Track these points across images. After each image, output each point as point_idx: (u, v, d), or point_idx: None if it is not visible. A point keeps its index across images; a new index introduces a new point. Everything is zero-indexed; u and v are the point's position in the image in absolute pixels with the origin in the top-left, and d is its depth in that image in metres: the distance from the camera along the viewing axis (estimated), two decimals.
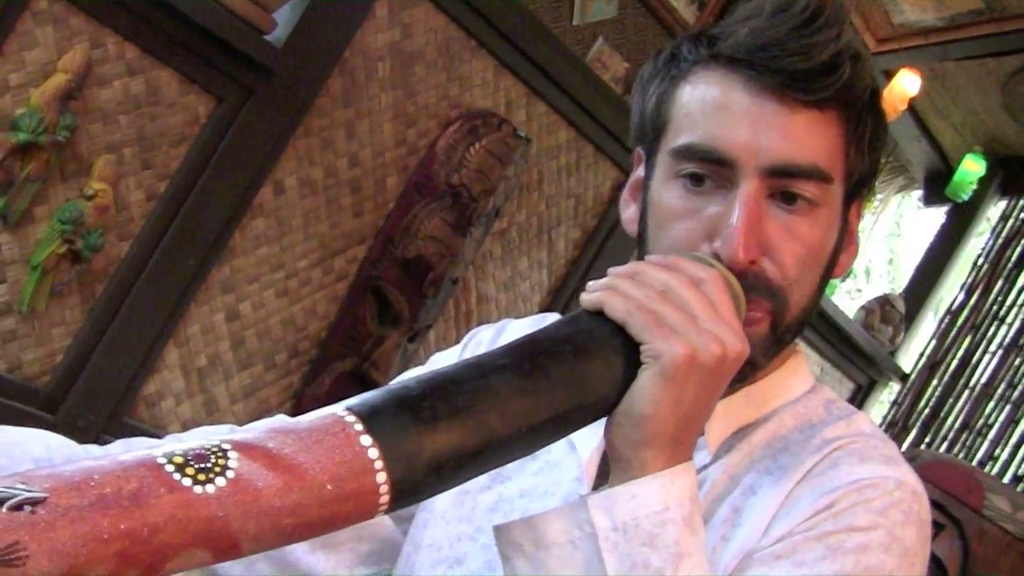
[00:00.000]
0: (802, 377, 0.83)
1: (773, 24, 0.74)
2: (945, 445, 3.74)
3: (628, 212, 0.87)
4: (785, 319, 0.76)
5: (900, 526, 0.71)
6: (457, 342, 2.39)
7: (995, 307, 3.84)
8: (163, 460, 0.49)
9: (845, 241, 0.81)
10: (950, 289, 4.20)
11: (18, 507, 0.44)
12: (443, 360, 0.94)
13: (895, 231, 6.77)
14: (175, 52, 1.77)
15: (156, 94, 1.80)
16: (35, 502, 0.45)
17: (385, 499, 0.55)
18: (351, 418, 0.54)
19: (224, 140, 1.88)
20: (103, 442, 1.83)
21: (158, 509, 0.47)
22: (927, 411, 3.84)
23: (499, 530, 0.68)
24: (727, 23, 0.79)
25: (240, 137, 1.89)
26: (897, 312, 3.92)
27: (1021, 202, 4.03)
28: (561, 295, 2.61)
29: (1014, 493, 1.77)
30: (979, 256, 4.04)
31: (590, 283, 0.68)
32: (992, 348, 3.76)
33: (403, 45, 2.09)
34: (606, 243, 2.64)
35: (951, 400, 3.80)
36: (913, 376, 4.00)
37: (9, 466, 0.70)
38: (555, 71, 2.35)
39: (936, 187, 4.25)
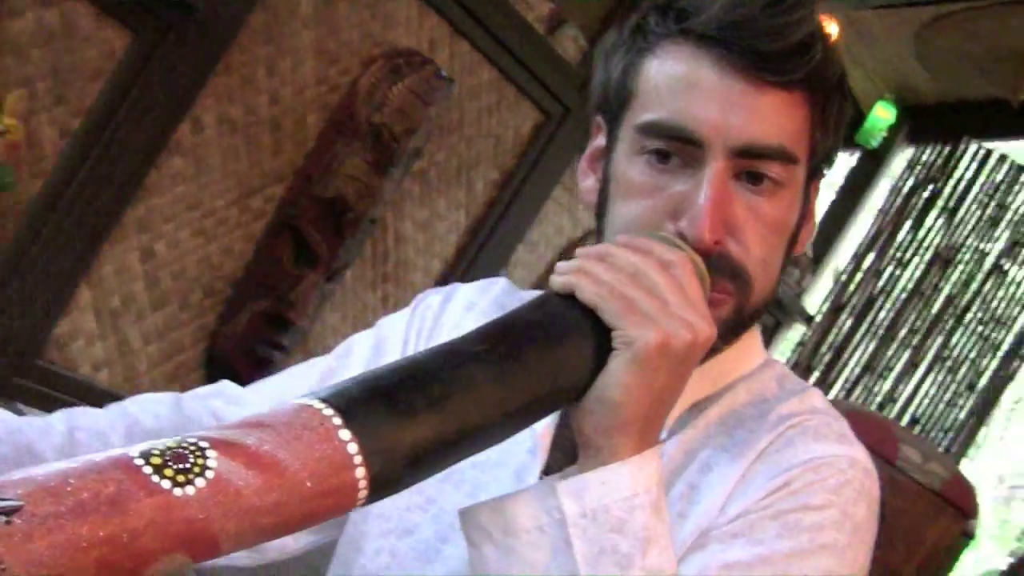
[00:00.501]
0: (755, 351, 0.85)
1: (745, 1, 0.76)
2: (847, 387, 3.99)
3: (587, 182, 0.88)
4: (749, 301, 0.78)
5: (852, 503, 0.77)
6: (373, 283, 2.44)
7: (899, 253, 4.08)
8: (140, 461, 0.49)
9: (805, 218, 0.83)
10: (857, 234, 4.43)
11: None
12: (392, 324, 0.95)
13: None
14: None
15: (71, 27, 1.80)
16: (10, 511, 0.45)
17: (363, 493, 0.56)
18: (328, 411, 0.55)
19: (141, 76, 1.89)
20: (14, 386, 1.87)
21: (138, 514, 0.47)
22: (830, 353, 4.08)
23: (465, 514, 0.69)
24: None
25: (158, 73, 1.91)
26: (805, 256, 4.11)
27: (928, 150, 4.26)
28: (478, 235, 2.69)
29: (925, 444, 1.94)
30: (885, 202, 4.27)
31: (559, 264, 0.70)
32: (895, 293, 4.00)
33: None
34: (524, 184, 2.73)
35: (854, 343, 4.05)
36: (818, 319, 4.23)
37: None
38: (479, 10, 2.40)
39: (846, 132, 4.45)
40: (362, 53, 2.24)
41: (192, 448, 0.50)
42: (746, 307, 0.78)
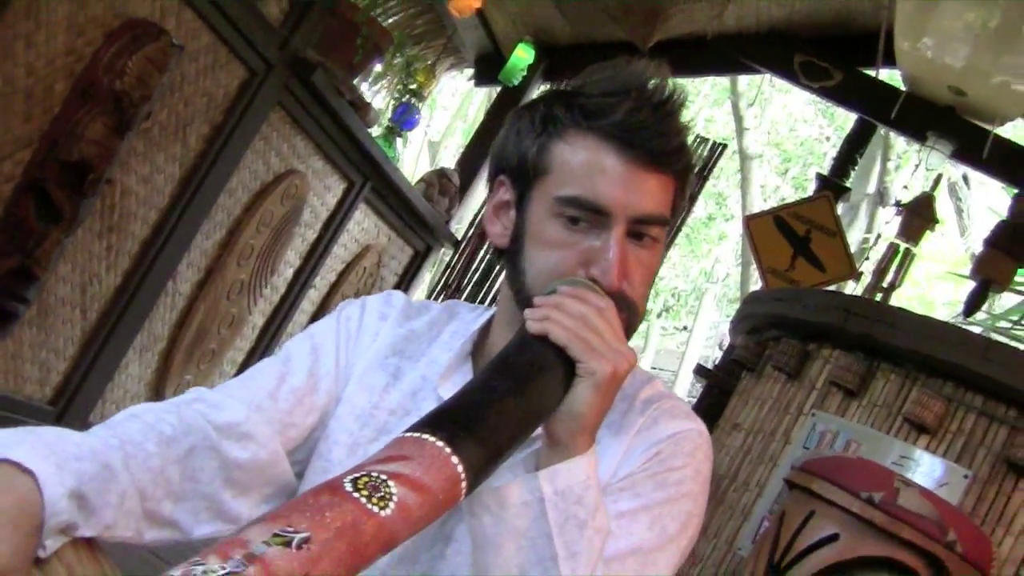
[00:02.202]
0: None
1: (640, 106, 1.19)
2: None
3: (495, 228, 1.30)
4: (634, 324, 1.23)
5: (701, 463, 1.26)
6: (100, 234, 2.93)
7: None
8: (356, 494, 0.83)
9: None
10: None
11: (299, 546, 0.75)
12: (322, 332, 1.38)
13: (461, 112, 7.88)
14: None
15: None
16: (306, 540, 0.76)
17: (462, 496, 0.94)
18: (440, 443, 0.92)
19: None
20: None
21: (368, 533, 0.81)
22: (477, 275, 5.03)
23: (470, 497, 1.02)
24: (593, 93, 1.23)
25: None
26: (453, 184, 5.00)
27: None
28: (190, 185, 3.24)
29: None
30: None
31: (528, 312, 1.15)
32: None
33: None
34: (231, 137, 3.30)
35: (499, 266, 5.02)
36: (464, 243, 5.16)
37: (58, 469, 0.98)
38: None
39: (486, 69, 5.36)
40: (105, 24, 2.70)
41: (380, 480, 0.86)
42: (632, 328, 1.24)
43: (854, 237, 9.84)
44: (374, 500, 0.84)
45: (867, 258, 5.37)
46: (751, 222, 4.72)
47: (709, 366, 3.85)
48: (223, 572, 0.71)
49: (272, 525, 0.78)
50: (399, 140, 4.65)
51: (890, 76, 4.91)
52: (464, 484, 0.94)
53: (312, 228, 4.08)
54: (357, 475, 0.87)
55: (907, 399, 2.13)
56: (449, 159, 16.79)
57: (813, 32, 4.97)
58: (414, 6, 5.08)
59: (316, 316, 4.38)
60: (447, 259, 5.32)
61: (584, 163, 1.21)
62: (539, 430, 1.14)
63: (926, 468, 2.07)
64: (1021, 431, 1.96)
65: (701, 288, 18.99)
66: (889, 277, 4.24)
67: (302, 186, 3.80)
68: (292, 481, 1.29)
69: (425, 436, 0.94)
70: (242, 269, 3.69)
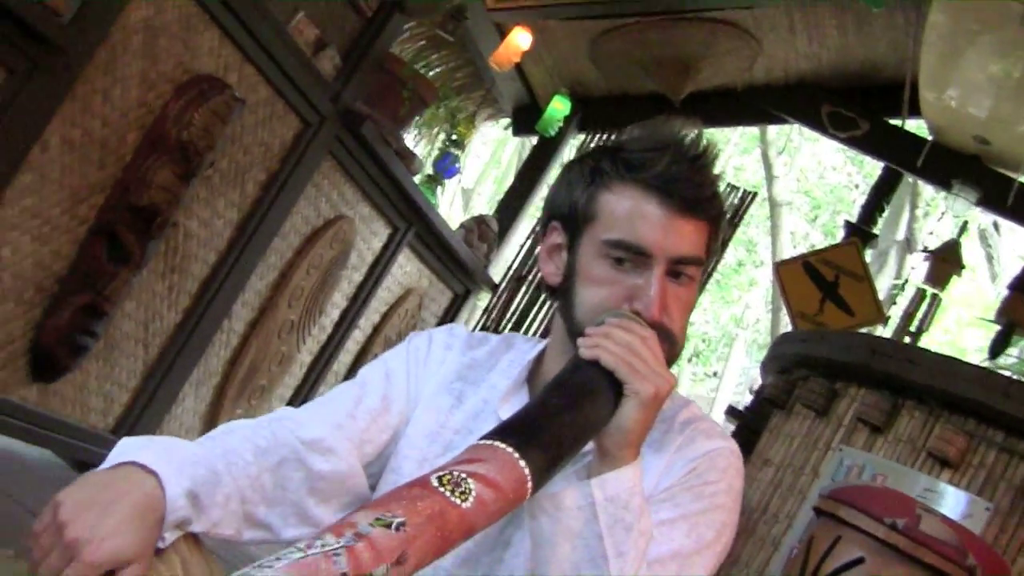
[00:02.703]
0: None
1: (677, 160, 1.35)
2: None
3: (549, 268, 1.46)
4: (675, 353, 1.37)
5: (733, 478, 1.39)
6: (163, 274, 3.09)
7: None
8: (442, 488, 0.97)
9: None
10: (535, 211, 5.52)
11: (397, 528, 0.90)
12: (395, 359, 1.56)
13: (494, 159, 8.10)
14: None
15: None
16: (402, 524, 0.91)
17: (528, 495, 1.08)
18: (509, 449, 1.07)
19: (11, 107, 2.44)
20: None
21: (453, 521, 0.96)
22: (515, 317, 5.16)
23: (531, 500, 1.15)
24: (635, 148, 1.39)
25: (22, 104, 2.46)
26: (491, 230, 5.15)
27: (596, 137, 5.44)
28: (247, 229, 3.40)
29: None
30: None
31: (580, 340, 1.30)
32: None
33: (154, 20, 2.74)
34: (285, 183, 3.47)
35: (535, 309, 5.15)
36: (502, 287, 5.30)
37: (177, 471, 1.14)
38: (264, 38, 3.11)
39: (523, 120, 5.53)
40: (174, 79, 2.88)
41: (461, 478, 1.00)
42: (674, 357, 1.39)
43: (884, 283, 9.91)
44: (457, 494, 0.99)
45: (895, 303, 5.46)
46: (781, 268, 4.84)
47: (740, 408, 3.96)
48: (338, 546, 0.86)
49: (374, 511, 0.93)
50: (439, 188, 4.81)
51: (916, 126, 5.02)
52: (530, 484, 1.08)
53: (358, 271, 4.23)
54: (442, 473, 1.02)
55: (931, 435, 2.23)
56: (482, 205, 17.02)
57: (840, 83, 5.10)
58: (455, 60, 5.27)
59: (360, 356, 4.52)
60: (485, 303, 5.47)
61: (628, 210, 1.37)
62: (590, 445, 1.28)
63: (950, 501, 2.16)
64: None
65: (731, 334, 19.03)
66: (916, 321, 4.34)
67: (350, 231, 3.96)
68: (367, 492, 1.43)
69: (497, 443, 1.09)
70: (292, 309, 3.84)
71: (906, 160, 4.85)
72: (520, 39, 4.52)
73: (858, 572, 1.72)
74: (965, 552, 1.70)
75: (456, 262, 4.91)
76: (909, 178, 5.81)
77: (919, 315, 4.34)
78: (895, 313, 4.85)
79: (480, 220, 5.14)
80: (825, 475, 2.37)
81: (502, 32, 4.66)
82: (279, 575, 0.81)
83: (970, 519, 2.04)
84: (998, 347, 4.07)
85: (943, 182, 4.77)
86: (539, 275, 5.32)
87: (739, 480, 1.43)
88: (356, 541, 0.88)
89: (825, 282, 4.55)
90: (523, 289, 5.31)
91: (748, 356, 18.66)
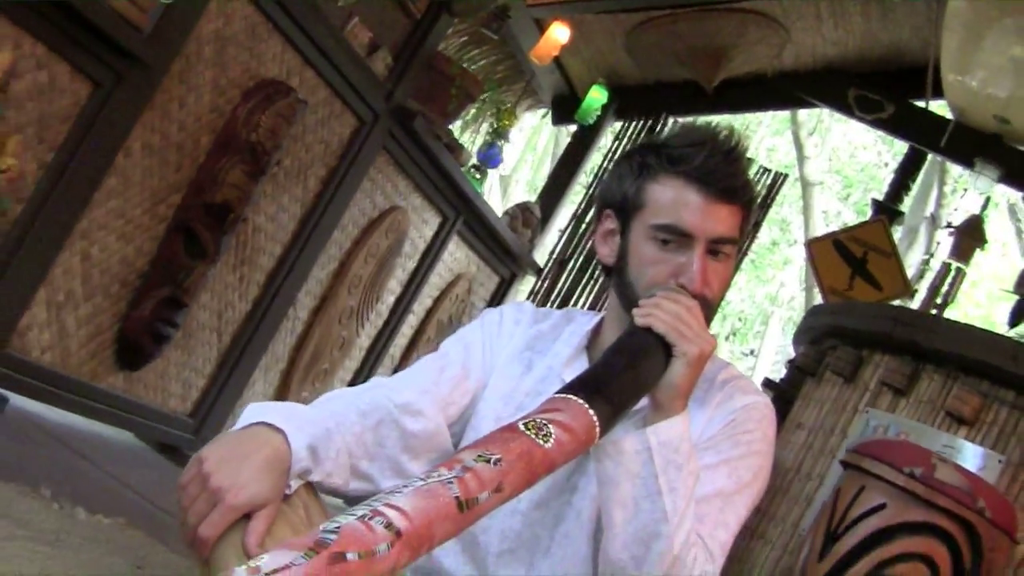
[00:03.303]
0: None
1: (713, 154, 1.54)
2: None
3: (604, 250, 1.66)
4: (711, 317, 1.57)
5: (767, 428, 1.59)
6: (234, 266, 3.31)
7: None
8: (527, 432, 1.15)
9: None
10: (576, 197, 5.68)
11: (495, 463, 1.09)
12: (472, 333, 1.75)
13: (530, 146, 8.25)
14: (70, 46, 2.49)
15: (53, 83, 2.51)
16: (498, 460, 1.09)
17: (596, 439, 1.26)
18: (580, 400, 1.25)
19: (98, 117, 2.63)
20: None
21: (538, 458, 1.14)
22: (559, 299, 5.32)
23: (596, 446, 1.35)
24: (676, 145, 1.57)
25: (109, 114, 2.65)
26: (535, 216, 5.31)
27: (633, 124, 5.58)
28: (308, 223, 3.59)
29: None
30: (598, 168, 5.54)
31: (635, 310, 1.48)
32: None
33: (224, 31, 2.93)
34: (344, 178, 3.65)
35: (578, 290, 5.31)
36: (546, 270, 5.46)
37: (298, 429, 1.31)
38: (322, 43, 3.28)
39: (562, 109, 5.68)
40: (242, 85, 3.06)
41: (543, 424, 1.19)
42: (710, 320, 1.58)
43: (914, 258, 9.97)
44: (540, 436, 1.17)
45: (922, 277, 5.57)
46: (812, 246, 4.96)
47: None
48: (451, 476, 1.05)
49: (476, 450, 1.12)
50: (484, 177, 4.97)
51: (939, 107, 5.12)
52: (598, 430, 1.26)
53: (411, 259, 4.41)
54: (527, 420, 1.20)
55: (949, 396, 2.36)
56: (520, 191, 17.17)
57: (866, 68, 5.21)
58: (496, 54, 5.42)
59: (414, 339, 4.71)
60: (532, 286, 5.63)
61: (672, 199, 1.57)
62: (644, 401, 1.46)
63: (967, 455, 2.30)
64: None
65: (767, 312, 19.08)
66: (942, 294, 4.45)
67: (404, 221, 4.14)
68: (451, 448, 1.61)
69: (571, 396, 1.27)
70: (352, 296, 4.03)
71: (930, 140, 4.95)
72: (558, 33, 4.66)
73: (880, 516, 1.87)
74: (975, 496, 1.84)
75: (502, 248, 5.08)
76: (934, 157, 5.90)
77: (944, 288, 4.46)
78: (923, 287, 4.97)
79: (524, 207, 5.30)
80: (853, 435, 2.50)
81: (541, 26, 4.81)
82: (410, 497, 0.99)
83: (985, 471, 2.18)
84: (1017, 317, 4.18)
85: (966, 161, 4.87)
86: (580, 258, 5.51)
87: (772, 430, 1.63)
88: (464, 473, 1.05)
89: (854, 259, 4.67)
90: (565, 272, 5.47)
91: (783, 334, 18.71)
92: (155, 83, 2.74)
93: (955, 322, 2.55)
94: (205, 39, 2.87)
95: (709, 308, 1.57)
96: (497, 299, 5.31)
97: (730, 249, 1.61)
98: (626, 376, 1.39)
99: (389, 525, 0.93)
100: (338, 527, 0.91)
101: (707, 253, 1.57)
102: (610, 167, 1.77)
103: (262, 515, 1.20)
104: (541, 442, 1.16)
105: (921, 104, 5.01)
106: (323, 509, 1.31)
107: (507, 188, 17.00)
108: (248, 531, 1.18)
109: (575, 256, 5.49)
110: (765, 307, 19.25)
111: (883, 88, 5.14)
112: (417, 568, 1.56)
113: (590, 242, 5.43)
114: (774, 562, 2.61)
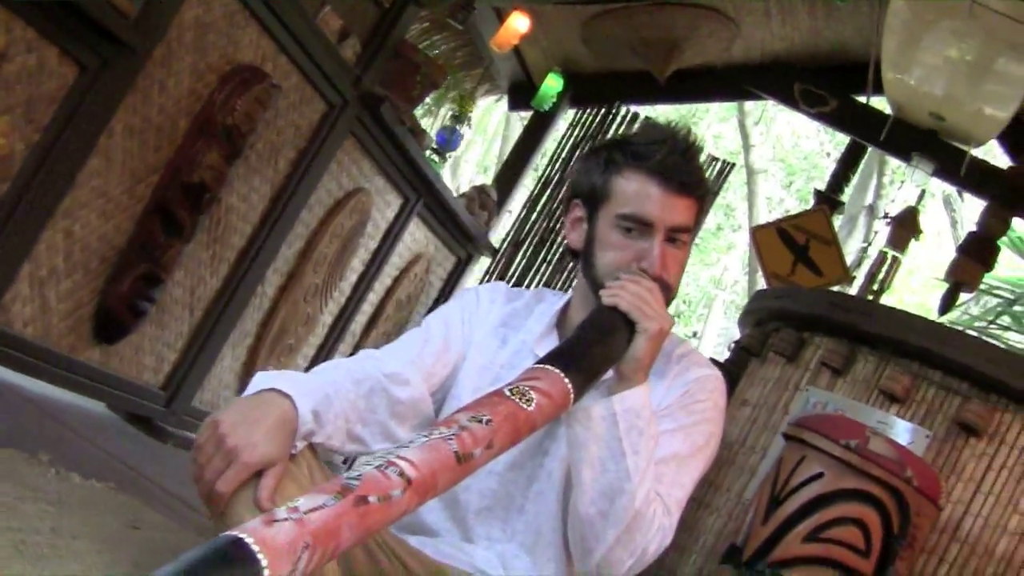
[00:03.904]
0: None
1: (672, 151, 1.72)
2: None
3: (573, 236, 1.84)
4: (670, 299, 1.72)
5: (719, 398, 1.78)
6: (207, 244, 3.44)
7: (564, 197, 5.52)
8: (512, 396, 1.33)
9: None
10: (530, 181, 5.82)
11: (486, 423, 1.26)
12: (450, 310, 1.92)
13: (480, 128, 8.34)
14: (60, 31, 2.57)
15: (42, 66, 2.60)
16: (489, 420, 1.27)
17: (571, 405, 1.45)
18: (557, 371, 1.43)
19: (84, 100, 2.72)
20: None
21: (521, 419, 1.32)
22: (513, 280, 5.47)
23: (567, 413, 1.54)
24: (640, 142, 1.74)
25: (94, 97, 2.74)
26: (491, 199, 5.44)
27: (587, 112, 5.73)
28: (278, 203, 3.69)
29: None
30: (553, 154, 5.69)
31: (602, 291, 1.66)
32: (563, 231, 5.46)
33: (204, 18, 3.02)
34: (313, 161, 3.76)
35: (531, 272, 5.46)
36: (501, 252, 5.60)
37: (303, 395, 1.45)
38: (296, 30, 3.38)
39: (519, 95, 5.82)
40: (219, 69, 3.16)
41: (525, 389, 1.38)
42: (669, 302, 1.75)
43: (853, 246, 10.25)
44: (523, 400, 1.35)
45: (860, 264, 5.80)
46: (756, 232, 5.15)
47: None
48: (451, 433, 1.20)
49: (469, 412, 1.28)
50: (443, 160, 5.09)
51: (880, 103, 5.33)
52: (572, 396, 1.44)
53: (374, 239, 4.53)
54: (511, 386, 1.38)
55: (882, 376, 2.55)
56: (469, 171, 17.30)
57: (811, 63, 5.40)
58: (455, 40, 5.54)
59: (374, 317, 4.83)
60: (487, 267, 5.78)
61: (635, 191, 1.76)
62: (609, 373, 1.62)
63: (899, 430, 2.49)
64: (970, 400, 2.39)
65: (711, 295, 19.40)
66: (878, 281, 4.66)
67: (367, 202, 4.25)
68: (432, 415, 1.77)
69: (548, 366, 1.45)
70: (316, 274, 4.14)
71: (870, 134, 5.16)
72: (518, 23, 4.79)
73: (819, 483, 2.06)
74: (904, 466, 2.03)
75: (460, 229, 5.20)
76: (874, 150, 6.12)
77: (881, 275, 4.67)
78: (861, 273, 5.18)
79: (481, 189, 5.42)
80: (794, 412, 2.69)
81: (500, 16, 4.93)
82: (416, 450, 1.13)
83: (913, 444, 2.38)
84: (946, 304, 4.40)
85: (904, 155, 5.09)
86: (535, 240, 5.66)
87: (723, 400, 1.81)
88: (461, 431, 1.21)
89: (796, 245, 4.87)
90: (520, 253, 5.61)
91: (726, 316, 19.05)
92: (138, 67, 2.83)
93: (890, 308, 2.75)
94: (186, 25, 2.97)
95: (668, 290, 1.74)
96: (454, 279, 5.44)
97: (686, 237, 1.78)
98: (596, 350, 1.56)
99: (402, 474, 1.08)
100: (360, 475, 1.05)
101: (666, 240, 1.75)
102: (576, 160, 1.94)
103: (272, 472, 1.33)
104: (524, 405, 1.33)
105: (862, 99, 5.21)
106: (323, 467, 1.45)
107: (457, 168, 17.11)
108: (260, 487, 1.32)
109: (529, 238, 5.63)
110: (709, 290, 19.57)
111: (827, 83, 5.34)
112: (403, 524, 1.70)
113: (543, 225, 5.60)
114: (719, 528, 2.79)
